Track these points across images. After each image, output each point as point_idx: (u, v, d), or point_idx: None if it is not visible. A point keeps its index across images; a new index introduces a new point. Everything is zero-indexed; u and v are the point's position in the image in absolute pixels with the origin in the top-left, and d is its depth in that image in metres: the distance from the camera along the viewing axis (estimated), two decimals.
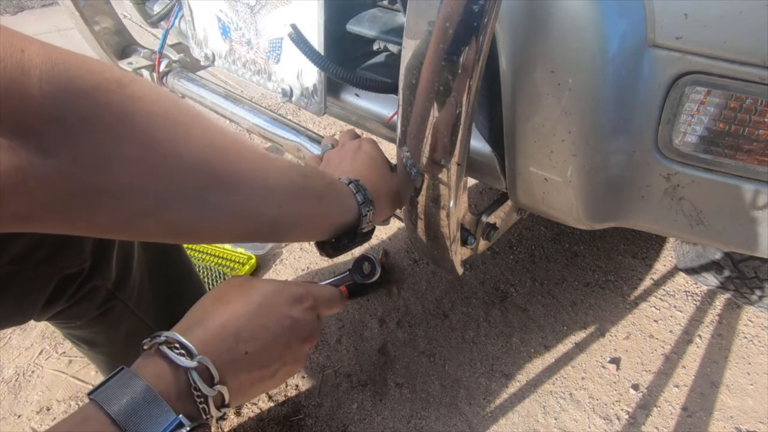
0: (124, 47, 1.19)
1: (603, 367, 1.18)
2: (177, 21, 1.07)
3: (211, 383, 0.41)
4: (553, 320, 1.29)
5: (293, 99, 0.87)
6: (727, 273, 1.13)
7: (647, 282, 1.38)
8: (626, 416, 1.09)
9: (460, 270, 0.74)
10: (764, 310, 1.25)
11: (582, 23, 0.49)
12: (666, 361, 1.19)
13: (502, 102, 0.60)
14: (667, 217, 0.61)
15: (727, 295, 1.30)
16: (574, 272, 1.41)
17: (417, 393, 1.13)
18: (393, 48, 0.87)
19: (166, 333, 0.41)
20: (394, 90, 0.63)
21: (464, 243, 0.73)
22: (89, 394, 0.38)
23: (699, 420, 1.09)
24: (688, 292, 1.35)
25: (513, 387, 1.15)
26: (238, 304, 0.45)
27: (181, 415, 0.38)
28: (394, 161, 0.68)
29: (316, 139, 0.90)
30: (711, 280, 1.21)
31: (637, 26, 0.49)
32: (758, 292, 1.13)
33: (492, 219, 0.75)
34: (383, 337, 1.25)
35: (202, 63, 1.04)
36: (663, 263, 1.43)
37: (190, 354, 0.40)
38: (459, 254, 0.70)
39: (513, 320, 1.29)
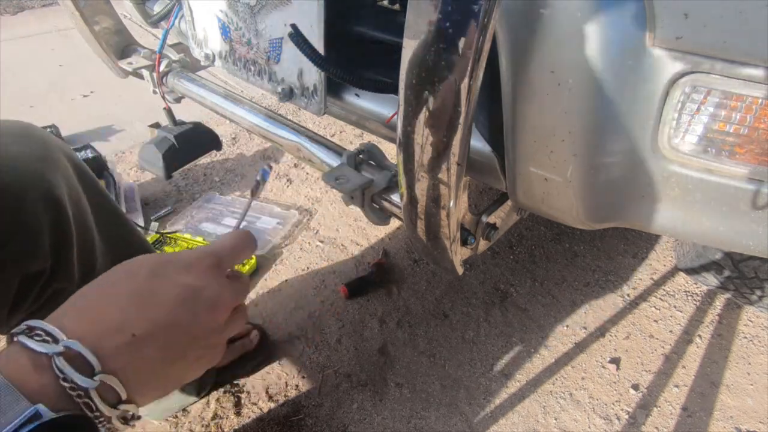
0: (124, 47, 1.19)
1: (603, 367, 1.18)
2: (177, 21, 1.07)
3: (90, 373, 0.33)
4: (553, 320, 1.29)
5: (293, 99, 0.87)
6: (727, 273, 1.13)
7: (647, 282, 1.38)
8: (626, 416, 1.09)
9: (460, 270, 0.74)
10: (764, 310, 1.25)
11: (582, 23, 0.49)
12: (666, 361, 1.19)
13: (502, 102, 0.60)
14: (666, 217, 0.61)
15: (727, 295, 1.30)
16: (574, 272, 1.41)
17: (417, 393, 1.13)
18: (393, 48, 0.87)
19: (29, 321, 0.35)
20: (394, 90, 0.63)
21: (464, 243, 0.73)
22: None
23: (699, 420, 1.09)
24: (688, 292, 1.35)
25: (513, 387, 1.15)
26: (122, 284, 0.38)
27: (39, 405, 0.31)
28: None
29: (316, 139, 0.89)
30: (711, 280, 1.21)
31: (637, 26, 0.49)
32: (758, 292, 1.13)
33: (492, 219, 0.75)
34: (383, 337, 1.25)
35: (202, 63, 1.04)
36: (663, 263, 1.43)
37: (55, 340, 0.33)
38: (459, 254, 0.70)
39: (513, 320, 1.29)
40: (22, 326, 0.35)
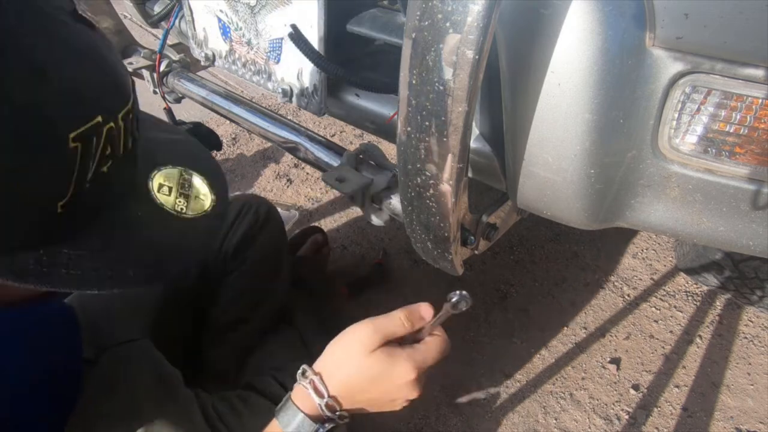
0: (124, 47, 1.19)
1: (603, 367, 1.18)
2: (177, 21, 1.07)
3: (333, 411, 0.59)
4: (553, 320, 1.29)
5: (293, 99, 0.87)
6: (727, 273, 1.13)
7: (647, 282, 1.38)
8: (626, 416, 1.09)
9: (460, 270, 0.74)
10: (765, 310, 1.25)
11: (582, 23, 0.49)
12: (666, 362, 1.19)
13: (502, 102, 0.60)
14: (667, 217, 0.61)
15: (728, 296, 1.30)
16: (574, 272, 1.41)
17: None
18: (393, 48, 0.87)
19: (311, 375, 0.59)
20: (394, 90, 0.63)
21: (464, 243, 0.73)
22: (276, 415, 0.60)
23: (699, 420, 1.09)
24: (689, 292, 1.35)
25: (513, 387, 1.15)
26: (363, 367, 0.58)
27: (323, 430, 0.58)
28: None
29: (317, 139, 0.89)
30: (711, 280, 1.21)
31: (637, 26, 0.49)
32: (759, 292, 1.13)
33: (492, 219, 0.75)
34: None
35: (202, 63, 1.04)
36: (663, 263, 1.43)
37: (321, 395, 0.59)
38: (459, 254, 0.70)
39: (513, 320, 1.29)
40: (309, 377, 0.59)
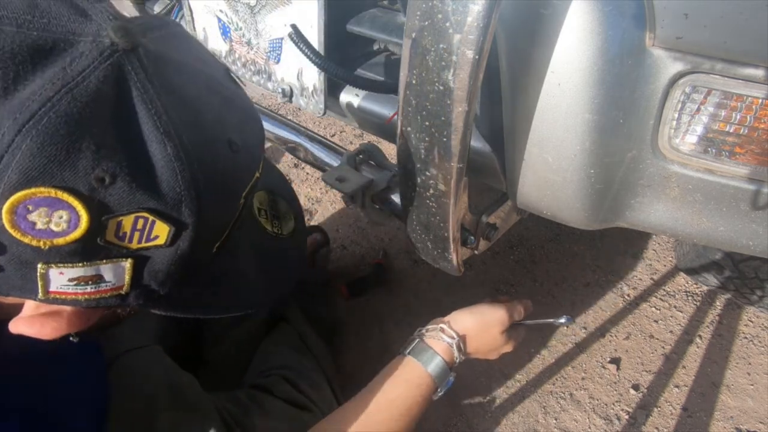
0: None
1: (603, 367, 1.18)
2: (177, 21, 1.07)
3: (460, 351, 0.75)
4: None
5: (293, 99, 0.87)
6: (727, 273, 1.13)
7: (647, 282, 1.38)
8: (626, 416, 1.09)
9: (460, 270, 0.74)
10: (765, 310, 1.25)
11: (582, 23, 0.49)
12: (666, 362, 1.19)
13: (502, 102, 0.60)
14: (667, 217, 0.61)
15: (728, 295, 1.30)
16: (574, 272, 1.41)
17: None
18: (393, 48, 0.87)
19: (443, 324, 0.76)
20: (394, 90, 0.63)
21: (464, 243, 0.73)
22: (406, 353, 0.73)
23: (699, 420, 1.09)
24: (688, 292, 1.35)
25: (513, 387, 1.15)
26: (488, 330, 0.77)
27: (452, 376, 0.74)
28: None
29: (317, 139, 0.90)
30: (711, 280, 1.21)
31: (637, 26, 0.49)
32: (759, 292, 1.13)
33: (492, 219, 0.75)
34: (383, 337, 1.25)
35: None
36: (663, 263, 1.43)
37: (452, 336, 0.75)
38: (459, 254, 0.70)
39: None
40: (441, 325, 0.76)
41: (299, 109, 2.12)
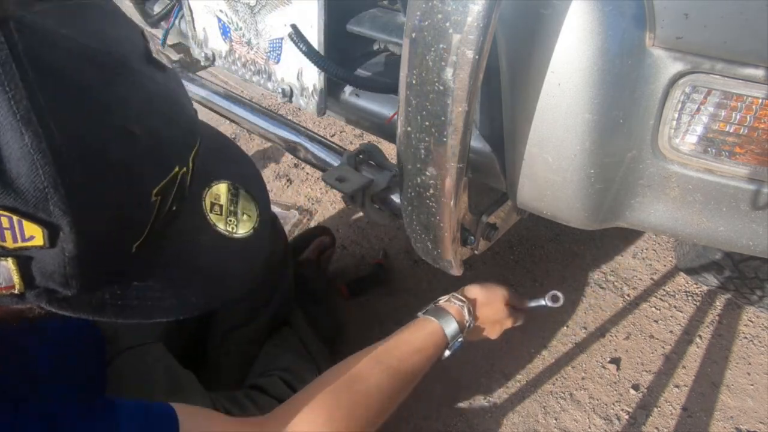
0: None
1: (603, 367, 1.18)
2: (177, 21, 1.07)
3: (471, 314, 0.83)
4: (553, 320, 1.28)
5: (293, 99, 0.87)
6: (727, 273, 1.13)
7: (647, 282, 1.38)
8: (626, 416, 1.09)
9: (460, 270, 0.74)
10: (765, 310, 1.25)
11: (582, 23, 0.49)
12: (666, 362, 1.19)
13: (502, 102, 0.60)
14: (667, 217, 0.61)
15: (728, 295, 1.30)
16: (574, 272, 1.41)
17: (417, 393, 1.13)
18: (393, 48, 0.87)
19: (454, 292, 0.85)
20: (394, 90, 0.63)
21: (464, 243, 0.73)
22: (423, 313, 0.84)
23: (699, 420, 1.09)
24: (688, 292, 1.35)
25: (513, 387, 1.15)
26: (494, 303, 0.86)
27: (461, 338, 0.81)
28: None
29: (317, 139, 0.89)
30: (711, 280, 1.21)
31: (637, 26, 0.49)
32: (759, 292, 1.13)
33: (492, 219, 0.75)
34: (383, 338, 1.24)
35: (202, 63, 1.04)
36: (663, 263, 1.43)
37: (462, 301, 0.83)
38: (459, 254, 0.70)
39: None
40: (455, 296, 0.84)
41: (299, 109, 2.12)
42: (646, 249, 1.48)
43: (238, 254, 0.51)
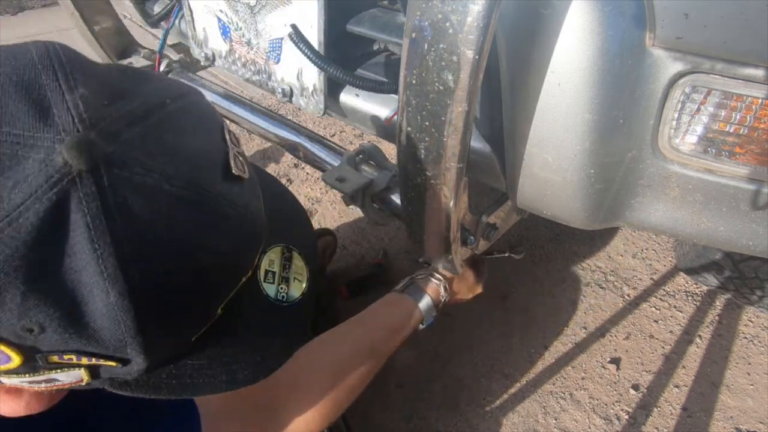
0: (124, 47, 1.19)
1: (603, 367, 1.18)
2: (177, 21, 1.07)
3: (446, 291, 0.85)
4: (553, 320, 1.29)
5: (293, 99, 0.87)
6: (727, 273, 1.13)
7: (647, 282, 1.38)
8: (626, 416, 1.09)
9: (460, 270, 0.74)
10: (765, 310, 1.25)
11: (582, 23, 0.49)
12: (666, 362, 1.19)
13: (502, 102, 0.60)
14: (667, 217, 0.61)
15: (728, 295, 1.30)
16: (574, 272, 1.41)
17: (417, 393, 1.13)
18: (393, 48, 0.87)
19: (432, 269, 0.85)
20: (394, 90, 0.63)
21: (464, 243, 0.73)
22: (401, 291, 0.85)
23: (699, 420, 1.09)
24: (688, 292, 1.35)
25: (513, 387, 1.15)
26: (466, 279, 0.92)
27: (434, 314, 0.85)
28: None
29: (317, 139, 0.89)
30: (711, 280, 1.21)
31: (637, 26, 0.49)
32: (758, 292, 1.13)
33: (492, 219, 0.75)
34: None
35: (202, 63, 1.04)
36: (663, 263, 1.43)
37: (439, 279, 0.86)
38: (459, 254, 0.70)
39: (513, 320, 1.29)
40: (429, 271, 0.86)
41: (299, 109, 2.12)
42: (646, 249, 1.48)
43: (288, 322, 0.52)
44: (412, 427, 1.07)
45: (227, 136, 0.43)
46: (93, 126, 0.32)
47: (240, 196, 0.41)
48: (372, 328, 0.79)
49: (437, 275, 0.85)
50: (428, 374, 1.16)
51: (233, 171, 0.40)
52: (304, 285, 0.53)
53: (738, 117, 0.50)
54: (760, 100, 0.49)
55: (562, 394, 1.13)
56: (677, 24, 0.47)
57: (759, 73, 0.47)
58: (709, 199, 0.57)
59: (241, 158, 0.43)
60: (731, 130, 0.52)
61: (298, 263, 0.54)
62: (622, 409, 1.10)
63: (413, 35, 0.49)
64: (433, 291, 0.84)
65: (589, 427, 1.07)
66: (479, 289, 0.95)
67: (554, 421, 1.08)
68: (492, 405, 1.12)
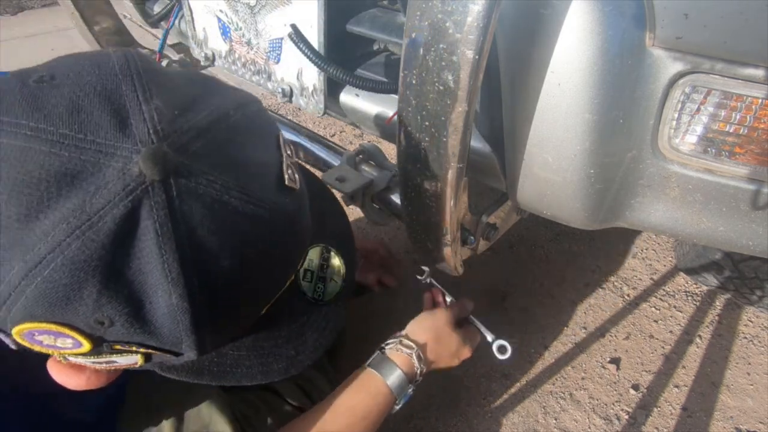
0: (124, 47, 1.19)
1: (603, 367, 1.18)
2: (177, 21, 1.07)
3: (420, 361, 0.74)
4: (553, 320, 1.28)
5: (293, 99, 0.87)
6: (727, 273, 1.13)
7: (647, 282, 1.38)
8: (626, 416, 1.09)
9: (460, 270, 0.74)
10: (765, 310, 1.25)
11: (582, 23, 0.49)
12: (666, 362, 1.19)
13: (502, 102, 0.60)
14: (667, 217, 0.61)
15: (727, 295, 1.30)
16: (574, 272, 1.41)
17: (417, 393, 1.13)
18: (393, 48, 0.87)
19: (401, 337, 0.77)
20: (394, 90, 0.63)
21: (464, 243, 0.73)
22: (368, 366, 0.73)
23: (699, 420, 1.09)
24: (688, 292, 1.35)
25: (513, 387, 1.15)
26: (442, 338, 0.79)
27: (411, 389, 0.75)
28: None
29: (317, 139, 0.89)
30: (711, 280, 1.21)
31: (637, 26, 0.49)
32: (758, 292, 1.13)
33: (492, 219, 0.75)
34: (383, 338, 1.24)
35: (202, 63, 1.04)
36: (663, 263, 1.43)
37: (410, 347, 0.75)
38: (459, 254, 0.70)
39: (513, 320, 1.29)
40: (398, 339, 0.76)
41: (299, 109, 2.12)
42: (646, 249, 1.48)
43: (322, 321, 0.55)
44: (412, 427, 1.07)
45: (282, 144, 0.46)
46: (165, 137, 0.35)
47: (290, 205, 0.44)
48: (337, 415, 0.70)
49: (408, 342, 0.75)
50: (428, 374, 1.16)
51: (286, 182, 0.44)
52: (339, 285, 0.57)
53: (738, 117, 0.50)
54: (760, 100, 0.49)
55: (562, 394, 1.13)
56: (677, 24, 0.47)
57: (759, 73, 0.47)
58: (709, 199, 0.57)
59: (292, 167, 0.46)
60: (731, 130, 0.52)
61: (336, 263, 0.57)
62: (622, 409, 1.10)
63: (413, 35, 0.49)
64: (403, 363, 0.73)
65: (589, 427, 1.07)
66: (466, 354, 0.82)
67: (554, 421, 1.08)
68: (492, 405, 1.12)
